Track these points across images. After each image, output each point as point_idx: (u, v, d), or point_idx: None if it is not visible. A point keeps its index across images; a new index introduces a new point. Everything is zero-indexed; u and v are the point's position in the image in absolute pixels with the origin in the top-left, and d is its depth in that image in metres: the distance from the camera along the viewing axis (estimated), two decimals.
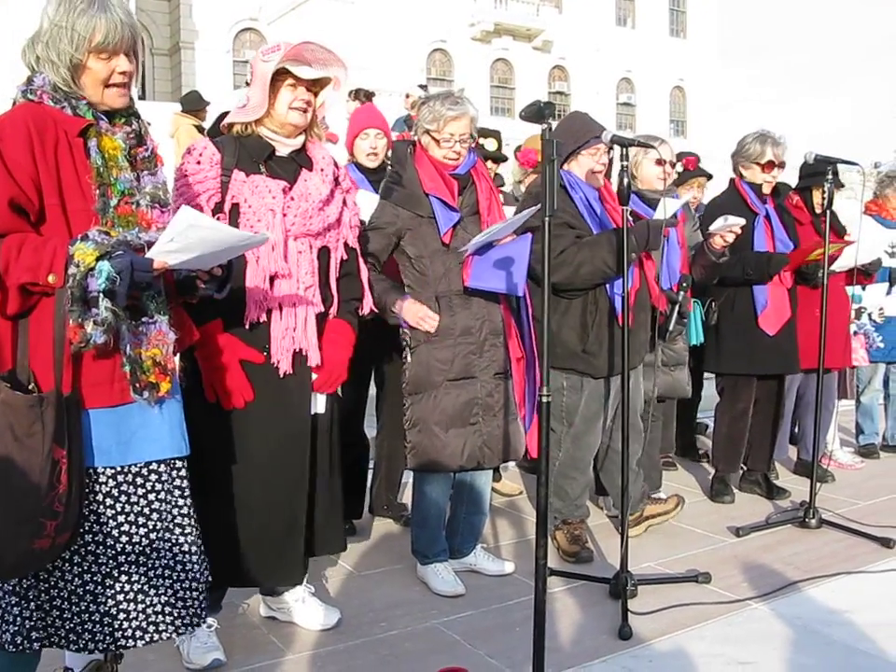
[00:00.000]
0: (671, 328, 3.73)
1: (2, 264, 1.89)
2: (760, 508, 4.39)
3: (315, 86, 2.67)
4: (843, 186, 4.06)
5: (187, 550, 2.18)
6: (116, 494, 2.07)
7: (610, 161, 3.61)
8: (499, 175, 5.56)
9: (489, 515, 3.62)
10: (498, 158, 5.03)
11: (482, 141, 4.77)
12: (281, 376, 2.64)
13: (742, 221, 3.88)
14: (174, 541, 2.16)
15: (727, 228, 3.83)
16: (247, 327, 2.60)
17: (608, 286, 3.44)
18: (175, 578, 2.15)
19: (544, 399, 2.36)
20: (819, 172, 4.35)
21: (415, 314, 3.12)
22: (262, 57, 2.61)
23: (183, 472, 2.21)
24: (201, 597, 2.21)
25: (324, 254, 2.74)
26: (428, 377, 3.15)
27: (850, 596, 3.21)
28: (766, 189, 4.36)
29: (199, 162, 2.61)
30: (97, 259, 1.86)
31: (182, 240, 1.90)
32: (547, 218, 2.30)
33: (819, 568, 3.49)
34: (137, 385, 2.03)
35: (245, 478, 2.64)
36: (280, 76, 2.60)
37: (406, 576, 3.42)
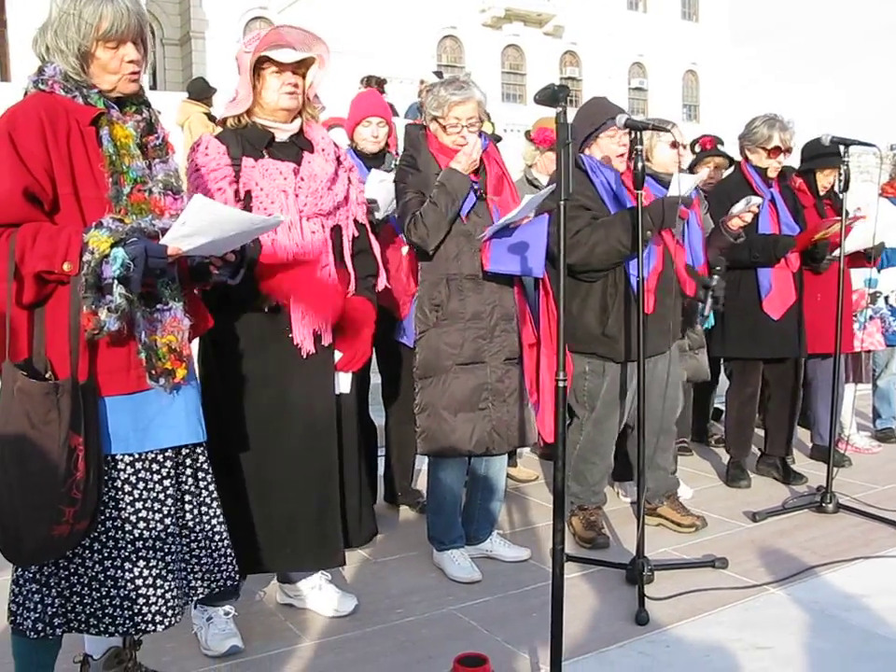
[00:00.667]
0: (707, 312, 3.69)
1: (17, 253, 1.90)
2: (776, 493, 4.37)
3: (301, 68, 2.66)
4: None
5: (196, 534, 2.23)
6: (133, 481, 2.09)
7: (632, 142, 3.58)
8: None
9: (504, 501, 3.62)
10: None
11: None
12: (304, 356, 2.65)
13: (760, 201, 3.86)
14: (182, 525, 2.20)
15: (747, 209, 3.81)
16: (266, 310, 2.61)
17: (628, 268, 3.40)
18: (188, 559, 2.20)
19: (560, 384, 2.34)
20: (823, 154, 4.31)
21: (464, 155, 3.08)
22: (244, 48, 2.63)
23: (183, 458, 2.22)
24: (214, 571, 2.27)
25: (336, 232, 2.75)
26: (438, 361, 3.15)
27: (868, 581, 3.20)
28: (772, 174, 4.31)
29: (207, 154, 2.62)
30: (111, 246, 1.87)
31: (195, 225, 1.90)
32: (562, 202, 2.28)
33: (836, 553, 3.47)
34: (153, 371, 2.04)
35: (275, 462, 2.65)
36: (264, 64, 2.60)
37: (422, 562, 3.42)
